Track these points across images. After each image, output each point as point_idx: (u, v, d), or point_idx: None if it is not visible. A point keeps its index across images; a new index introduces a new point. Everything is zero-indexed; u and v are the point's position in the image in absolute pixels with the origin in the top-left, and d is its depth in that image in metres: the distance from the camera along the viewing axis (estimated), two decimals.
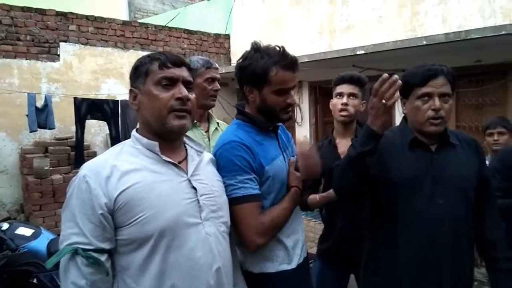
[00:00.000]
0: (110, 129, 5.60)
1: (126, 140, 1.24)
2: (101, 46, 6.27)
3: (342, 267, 2.11)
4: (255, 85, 1.47)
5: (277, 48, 1.47)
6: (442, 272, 1.44)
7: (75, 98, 5.34)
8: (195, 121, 2.06)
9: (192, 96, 1.21)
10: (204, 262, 1.14)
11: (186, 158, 1.26)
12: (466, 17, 4.68)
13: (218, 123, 2.15)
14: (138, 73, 1.20)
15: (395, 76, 1.30)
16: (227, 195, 1.34)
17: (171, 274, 1.09)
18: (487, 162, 2.12)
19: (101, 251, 1.07)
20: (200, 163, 1.28)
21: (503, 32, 3.72)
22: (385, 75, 1.31)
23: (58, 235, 3.40)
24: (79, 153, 5.39)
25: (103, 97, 5.91)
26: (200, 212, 1.17)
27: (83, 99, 5.42)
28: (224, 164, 1.40)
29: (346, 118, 2.08)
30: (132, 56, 6.54)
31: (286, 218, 1.47)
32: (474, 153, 1.56)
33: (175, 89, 1.17)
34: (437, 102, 1.43)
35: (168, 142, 1.21)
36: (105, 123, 5.64)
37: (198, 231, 1.15)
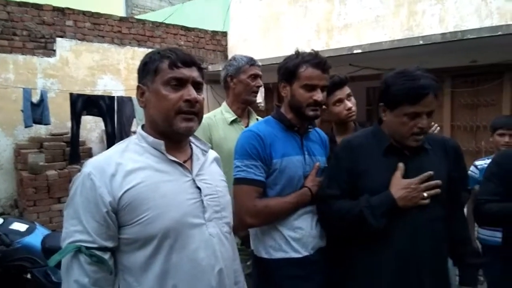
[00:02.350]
0: (106, 125, 5.59)
1: (131, 137, 1.22)
2: (97, 42, 6.24)
3: (330, 265, 2.12)
4: (287, 80, 1.64)
5: (312, 51, 1.64)
6: (422, 273, 1.47)
7: (71, 94, 5.32)
8: (236, 117, 2.17)
9: (201, 97, 1.19)
10: (207, 264, 1.13)
11: (191, 157, 1.24)
12: (462, 17, 4.70)
13: (257, 118, 2.25)
14: (147, 69, 1.17)
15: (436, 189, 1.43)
16: (233, 175, 1.47)
17: (174, 274, 1.09)
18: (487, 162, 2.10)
19: (104, 249, 1.06)
20: (205, 163, 1.27)
21: (499, 33, 3.74)
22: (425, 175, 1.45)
23: (53, 230, 3.40)
24: (74, 149, 5.37)
25: (99, 93, 5.88)
26: (204, 212, 1.16)
27: (79, 95, 5.39)
28: (238, 148, 1.61)
29: (354, 118, 2.13)
30: (128, 53, 6.52)
31: (284, 211, 1.57)
32: (444, 154, 1.58)
33: (184, 90, 1.14)
34: (424, 121, 1.42)
35: (174, 141, 1.20)
36: (100, 119, 5.62)
37: (201, 232, 1.14)
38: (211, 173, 1.27)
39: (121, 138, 5.63)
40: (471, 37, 3.94)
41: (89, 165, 1.10)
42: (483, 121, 4.65)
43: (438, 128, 2.19)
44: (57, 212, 5.08)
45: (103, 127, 5.72)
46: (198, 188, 1.17)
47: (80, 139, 5.51)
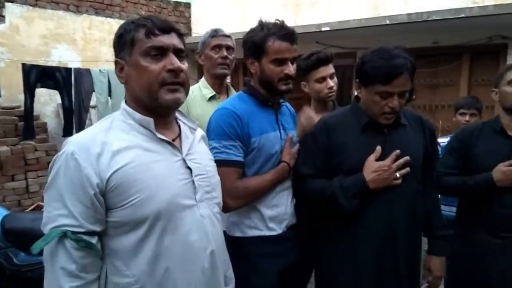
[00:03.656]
0: (62, 99, 5.27)
1: (114, 113, 1.14)
2: (51, 9, 5.80)
3: (305, 239, 2.17)
4: (255, 56, 1.56)
5: (277, 22, 1.54)
6: (398, 245, 1.53)
7: (23, 64, 4.94)
8: (214, 93, 2.07)
9: (185, 66, 1.11)
10: (199, 246, 1.10)
11: (179, 135, 1.18)
12: None
13: None
14: (123, 42, 1.08)
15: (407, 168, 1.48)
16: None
17: (166, 257, 1.04)
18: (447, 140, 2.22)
19: (91, 233, 1.00)
20: (193, 141, 1.21)
21: (462, 15, 3.85)
22: (395, 153, 1.49)
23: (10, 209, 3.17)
24: (28, 123, 5.04)
25: (54, 64, 5.52)
26: (195, 193, 1.12)
27: (33, 66, 5.02)
28: (213, 128, 1.52)
29: (334, 97, 2.12)
30: (85, 21, 6.14)
31: (264, 189, 1.55)
32: (420, 130, 1.63)
33: (165, 59, 1.06)
34: (395, 101, 1.44)
35: (161, 117, 1.12)
36: (56, 92, 5.29)
37: (193, 213, 1.10)
38: (200, 152, 1.22)
39: (79, 113, 5.38)
40: (435, 18, 4.03)
41: (72, 144, 1.01)
42: (441, 101, 4.83)
43: None
44: (10, 190, 4.81)
45: (59, 101, 5.40)
46: (189, 168, 1.12)
47: (34, 113, 5.19)
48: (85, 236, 0.98)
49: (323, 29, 4.84)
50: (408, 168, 1.50)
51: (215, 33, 2.09)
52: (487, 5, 3.93)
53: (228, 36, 2.11)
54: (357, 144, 1.53)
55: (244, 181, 1.52)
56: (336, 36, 5.11)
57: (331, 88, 2.06)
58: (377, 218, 1.51)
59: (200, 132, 1.31)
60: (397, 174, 1.48)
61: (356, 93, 1.64)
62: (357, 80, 1.55)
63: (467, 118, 2.81)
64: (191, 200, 1.10)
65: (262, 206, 1.57)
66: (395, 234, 1.52)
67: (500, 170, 1.76)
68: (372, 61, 1.44)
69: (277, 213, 1.59)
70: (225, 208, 1.46)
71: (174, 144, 1.13)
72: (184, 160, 1.12)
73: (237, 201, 1.51)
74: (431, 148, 1.67)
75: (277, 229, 1.58)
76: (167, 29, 1.08)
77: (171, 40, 1.08)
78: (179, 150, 1.14)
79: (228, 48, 2.09)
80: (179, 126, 1.21)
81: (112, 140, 1.03)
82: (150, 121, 1.08)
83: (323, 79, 2.07)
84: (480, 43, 4.55)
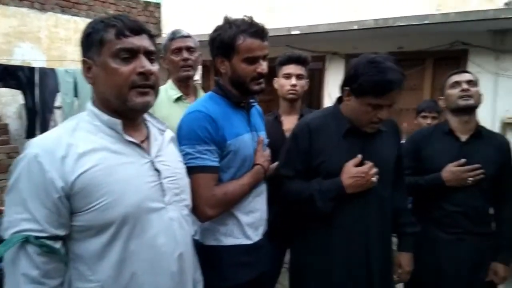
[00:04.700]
0: (25, 99, 5.08)
1: (80, 114, 1.11)
2: (14, 6, 5.58)
3: (281, 241, 2.19)
4: (224, 55, 1.47)
5: (246, 18, 1.47)
6: (371, 247, 1.57)
7: None
8: (180, 94, 2.03)
9: (155, 68, 1.10)
10: (167, 249, 1.09)
11: (148, 137, 1.17)
12: (394, 4, 4.92)
13: None
14: (91, 41, 1.05)
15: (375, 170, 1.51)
16: (184, 164, 1.32)
17: (132, 262, 1.03)
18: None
19: (55, 238, 0.97)
20: (162, 143, 1.19)
21: (426, 22, 4.00)
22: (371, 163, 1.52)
23: None
24: None
25: (17, 63, 5.32)
26: (164, 196, 1.11)
27: None
28: (186, 132, 1.41)
29: (294, 97, 2.13)
30: (51, 19, 5.94)
31: (242, 194, 1.48)
32: (394, 135, 1.69)
33: (136, 61, 1.05)
34: (385, 112, 1.49)
35: (129, 119, 1.11)
36: (19, 92, 5.10)
37: (161, 216, 1.09)
38: (169, 154, 1.21)
39: (44, 114, 5.20)
40: (400, 24, 4.17)
41: (35, 146, 0.98)
42: (406, 104, 4.99)
43: None
44: None
45: (22, 101, 5.21)
46: (157, 170, 1.11)
47: None
48: (49, 241, 0.96)
49: (293, 32, 4.90)
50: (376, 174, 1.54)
51: (173, 36, 2.05)
52: (449, 13, 4.10)
53: (188, 37, 2.06)
54: (337, 148, 1.56)
55: (222, 187, 1.44)
56: (306, 40, 5.18)
57: (293, 86, 2.10)
58: (351, 220, 1.56)
59: (169, 134, 1.29)
60: (374, 179, 1.52)
61: (328, 96, 1.67)
62: (347, 87, 1.55)
63: (428, 121, 2.94)
64: (159, 203, 1.09)
65: (238, 212, 1.50)
66: (368, 233, 1.57)
67: (449, 170, 1.87)
68: (367, 74, 1.44)
69: (253, 219, 1.55)
70: (203, 218, 1.42)
71: (142, 146, 1.11)
72: (152, 162, 1.11)
73: (216, 209, 1.42)
74: (400, 150, 1.74)
75: (253, 237, 1.54)
76: (138, 30, 1.06)
77: (142, 41, 1.07)
78: (148, 152, 1.12)
79: (189, 49, 2.05)
80: (147, 127, 1.19)
81: (77, 142, 1.01)
82: (117, 122, 1.06)
83: (288, 76, 2.11)
84: (442, 49, 4.74)
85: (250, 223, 1.53)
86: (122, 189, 1.01)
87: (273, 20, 5.67)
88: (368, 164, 1.52)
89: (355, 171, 1.50)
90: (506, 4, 4.09)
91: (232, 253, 1.49)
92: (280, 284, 3.44)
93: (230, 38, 1.44)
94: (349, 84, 1.53)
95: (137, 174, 1.06)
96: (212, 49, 1.51)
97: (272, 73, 2.25)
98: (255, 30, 1.44)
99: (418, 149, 2.03)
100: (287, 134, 2.06)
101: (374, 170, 1.52)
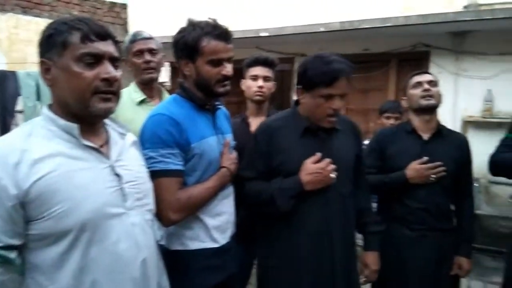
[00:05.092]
0: None
1: (35, 119, 1.07)
2: None
3: (250, 241, 2.19)
4: (189, 57, 1.47)
5: (210, 20, 1.48)
6: (334, 243, 1.60)
7: None
8: (144, 97, 1.98)
9: (119, 74, 1.08)
10: (129, 255, 1.07)
11: (108, 141, 1.14)
12: (359, 7, 5.03)
13: None
14: (52, 43, 1.02)
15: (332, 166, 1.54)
16: (147, 168, 1.30)
17: (92, 269, 1.00)
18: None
19: (10, 247, 0.94)
20: (123, 147, 1.17)
21: (389, 24, 4.12)
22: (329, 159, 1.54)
23: None
24: None
25: None
26: (125, 201, 1.09)
27: None
28: (148, 136, 1.40)
29: (261, 98, 2.14)
30: (11, 20, 5.71)
31: (207, 197, 1.47)
32: (352, 134, 1.74)
33: (100, 67, 1.03)
34: (338, 103, 1.53)
35: (89, 124, 1.08)
36: None
37: (122, 221, 1.07)
38: (131, 158, 1.19)
39: (4, 119, 4.98)
40: (365, 26, 4.28)
41: None
42: (372, 104, 5.12)
43: None
44: None
45: None
46: (118, 175, 1.09)
47: None
48: (3, 251, 0.93)
49: (261, 34, 4.93)
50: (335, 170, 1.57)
51: (134, 38, 2.01)
52: (411, 15, 4.24)
53: (150, 38, 2.03)
54: (296, 148, 1.60)
55: (186, 191, 1.42)
56: (274, 42, 5.23)
57: (260, 87, 2.12)
58: (313, 217, 1.58)
59: (130, 137, 1.27)
60: (332, 175, 1.55)
61: (295, 98, 1.70)
62: (299, 86, 1.60)
63: (391, 121, 3.05)
64: (120, 208, 1.07)
65: (204, 215, 1.49)
66: (331, 232, 1.59)
67: (413, 168, 1.93)
68: (314, 67, 1.52)
69: (220, 222, 1.54)
70: (167, 222, 1.40)
71: (101, 150, 1.09)
72: (112, 167, 1.09)
73: (180, 213, 1.41)
74: (361, 150, 1.79)
75: (220, 240, 1.53)
76: (104, 35, 1.05)
77: (107, 47, 1.05)
78: (107, 156, 1.10)
79: (151, 51, 2.02)
80: (107, 131, 1.17)
81: (32, 148, 0.98)
82: (74, 127, 1.04)
83: (255, 78, 2.12)
84: (406, 51, 4.90)
85: (217, 226, 1.52)
86: (80, 195, 0.99)
87: (242, 22, 5.70)
88: (326, 160, 1.55)
89: (313, 168, 1.54)
90: (465, 7, 4.27)
91: (199, 257, 1.48)
92: (252, 285, 3.45)
93: (194, 40, 1.43)
94: (301, 81, 1.59)
95: (96, 179, 1.04)
96: (176, 51, 1.50)
97: (241, 75, 2.26)
98: (219, 32, 1.44)
99: (382, 148, 2.09)
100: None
101: (332, 166, 1.55)
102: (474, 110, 4.53)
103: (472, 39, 4.54)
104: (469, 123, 4.54)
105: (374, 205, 2.17)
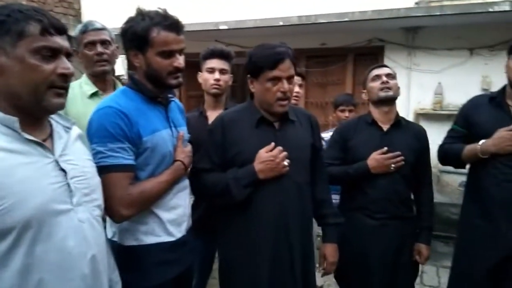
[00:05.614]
0: None
1: None
2: None
3: (211, 235, 2.19)
4: (138, 48, 1.42)
5: (159, 10, 1.43)
6: (291, 234, 1.63)
7: None
8: (96, 90, 1.91)
9: (73, 70, 1.06)
10: (78, 252, 1.03)
11: (51, 135, 1.09)
12: (317, 2, 5.11)
13: None
14: (5, 30, 0.96)
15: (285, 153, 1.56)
16: (96, 163, 1.25)
17: (39, 268, 0.96)
18: (331, 133, 2.44)
19: None
20: (68, 141, 1.13)
21: (346, 19, 4.21)
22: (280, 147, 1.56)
23: None
24: None
25: None
26: (71, 197, 1.05)
27: None
28: (96, 130, 1.35)
29: (218, 91, 2.13)
30: None
31: (161, 192, 1.45)
32: (309, 126, 1.77)
33: (57, 61, 1.01)
34: (285, 85, 1.56)
35: (33, 118, 1.03)
36: None
37: (69, 218, 1.03)
38: (76, 153, 1.14)
39: None
40: (322, 21, 4.35)
41: None
42: (331, 98, 5.22)
43: None
44: None
45: None
46: (63, 170, 1.05)
47: None
48: None
49: (221, 27, 4.89)
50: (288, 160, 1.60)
51: (85, 28, 1.93)
52: (366, 11, 4.35)
53: (102, 29, 1.96)
54: (250, 138, 1.61)
55: (138, 186, 1.38)
56: (234, 36, 5.20)
57: (217, 80, 2.11)
58: (269, 206, 1.60)
59: (76, 131, 1.22)
60: (285, 163, 1.58)
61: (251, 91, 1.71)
62: (248, 75, 1.63)
63: (346, 114, 3.14)
64: (66, 204, 1.03)
65: (159, 209, 1.47)
66: (287, 220, 1.62)
67: (373, 158, 2.00)
68: (258, 53, 1.57)
69: (176, 215, 1.52)
70: (119, 218, 1.37)
71: (45, 144, 1.04)
72: (56, 162, 1.04)
73: (132, 209, 1.37)
74: (319, 143, 1.81)
75: (176, 234, 1.51)
76: (62, 30, 1.03)
77: (64, 42, 1.03)
78: (51, 151, 1.05)
79: (103, 42, 1.95)
80: (51, 125, 1.12)
81: None
82: (14, 120, 0.98)
83: (212, 70, 2.12)
84: (362, 45, 5.04)
85: (172, 219, 1.50)
86: (23, 192, 0.94)
87: (201, 14, 5.63)
88: (278, 148, 1.58)
89: (266, 156, 1.56)
90: (416, 3, 4.45)
91: (154, 252, 1.46)
92: (216, 279, 3.44)
93: (143, 31, 1.38)
94: (249, 71, 1.62)
95: (39, 175, 0.99)
96: (125, 41, 1.45)
97: (200, 68, 2.24)
98: (170, 23, 1.40)
99: (344, 140, 2.14)
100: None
101: (284, 154, 1.58)
102: (426, 103, 4.75)
103: (423, 34, 4.75)
104: (421, 115, 4.75)
105: (337, 197, 2.23)
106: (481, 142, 1.95)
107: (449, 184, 4.56)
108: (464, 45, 4.57)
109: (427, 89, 4.73)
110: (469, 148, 2.01)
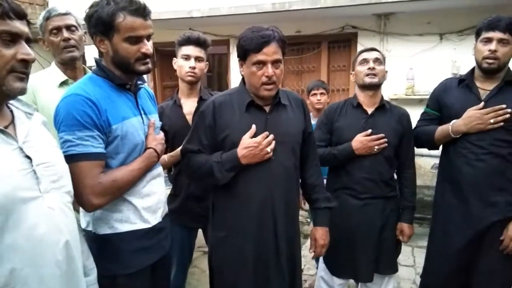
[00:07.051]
0: None
1: None
2: None
3: (190, 224, 2.19)
4: (104, 34, 1.38)
5: None
6: (277, 217, 1.66)
7: None
8: (66, 78, 1.86)
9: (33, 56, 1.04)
10: (49, 238, 1.02)
11: (13, 121, 1.07)
12: None
13: None
14: None
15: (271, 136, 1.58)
16: (63, 152, 1.23)
17: (9, 257, 0.95)
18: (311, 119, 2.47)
19: None
20: (31, 127, 1.10)
21: (318, 6, 4.23)
22: (265, 133, 1.58)
23: None
24: None
25: None
26: (38, 184, 1.03)
27: None
28: (63, 118, 1.31)
29: (193, 79, 2.12)
30: None
31: (133, 180, 1.43)
32: (301, 111, 1.79)
33: (17, 46, 1.00)
34: (270, 69, 1.56)
35: None
36: None
37: (38, 205, 1.01)
38: (41, 139, 1.13)
39: None
40: (296, 8, 4.35)
41: None
42: (306, 85, 5.27)
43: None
44: None
45: None
46: (28, 157, 1.03)
47: None
48: None
49: (194, 15, 4.82)
50: (272, 145, 1.62)
51: (49, 14, 1.86)
52: None
53: (67, 14, 1.89)
54: (240, 122, 1.62)
55: (109, 174, 1.36)
56: (208, 24, 5.14)
57: (192, 68, 2.10)
58: (257, 188, 1.63)
59: (39, 117, 1.20)
60: (268, 149, 1.58)
61: (235, 79, 1.71)
62: (238, 58, 1.64)
63: (318, 97, 3.25)
64: (33, 191, 1.02)
65: (132, 197, 1.46)
66: (273, 202, 1.65)
67: (358, 140, 2.06)
68: (245, 36, 1.57)
69: (151, 202, 1.51)
70: (90, 207, 1.34)
71: (7, 131, 1.02)
72: (21, 149, 1.03)
73: (104, 198, 1.35)
74: (310, 128, 1.83)
75: (151, 220, 1.51)
76: (22, 14, 1.02)
77: (25, 27, 1.02)
78: (14, 138, 1.03)
79: (69, 27, 1.89)
80: (11, 111, 1.10)
81: None
82: None
83: (187, 57, 2.10)
84: (335, 33, 5.07)
85: (147, 207, 1.50)
86: None
87: (174, 1, 5.53)
88: (262, 134, 1.59)
89: (249, 142, 1.57)
90: None
91: (130, 239, 1.45)
92: (197, 268, 3.46)
93: (108, 16, 1.34)
94: (238, 54, 1.63)
95: (3, 162, 0.97)
96: (89, 27, 1.41)
97: (175, 56, 2.21)
98: (136, 7, 1.36)
99: (330, 122, 2.19)
100: (188, 117, 2.07)
101: (268, 140, 1.59)
102: (399, 88, 4.85)
103: (395, 20, 4.82)
104: (394, 101, 4.84)
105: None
106: (452, 122, 2.02)
107: (422, 167, 4.70)
108: (434, 31, 4.67)
109: (399, 75, 4.82)
110: (441, 129, 2.09)
